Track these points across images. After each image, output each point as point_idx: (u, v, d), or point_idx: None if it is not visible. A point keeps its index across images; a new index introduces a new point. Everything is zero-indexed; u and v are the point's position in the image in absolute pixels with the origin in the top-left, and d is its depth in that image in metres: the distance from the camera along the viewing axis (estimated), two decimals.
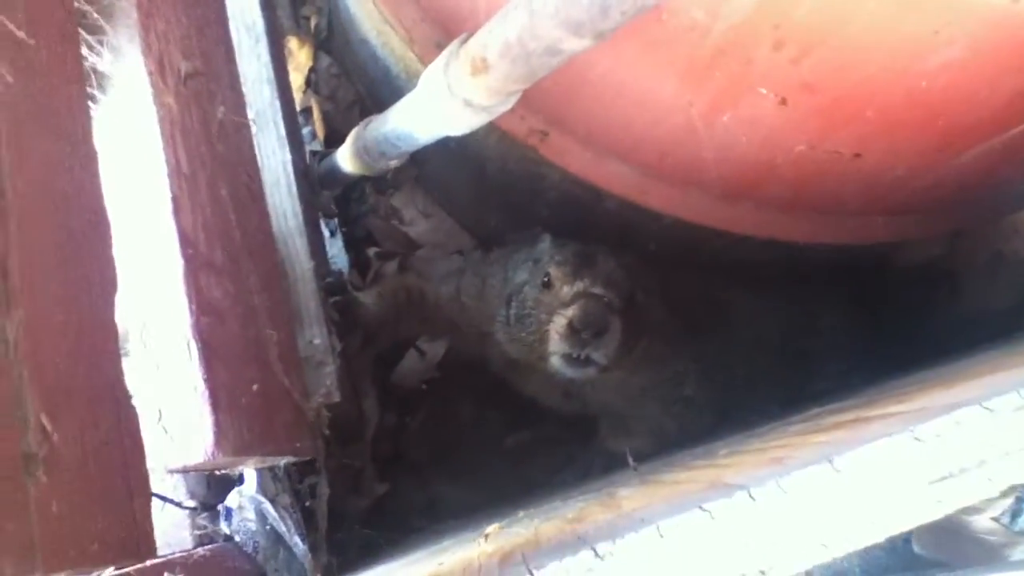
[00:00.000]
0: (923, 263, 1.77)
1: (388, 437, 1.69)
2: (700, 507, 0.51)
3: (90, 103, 0.87)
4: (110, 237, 0.68)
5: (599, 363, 1.21)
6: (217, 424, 0.83)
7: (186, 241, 0.88)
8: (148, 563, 0.81)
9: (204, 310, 0.87)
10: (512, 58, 0.67)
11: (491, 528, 0.75)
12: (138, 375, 0.86)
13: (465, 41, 0.76)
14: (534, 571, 0.51)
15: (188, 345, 0.85)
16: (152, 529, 0.64)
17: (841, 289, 1.73)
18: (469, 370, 1.70)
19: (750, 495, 0.51)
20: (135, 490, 0.63)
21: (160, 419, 0.84)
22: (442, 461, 1.71)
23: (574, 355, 1.20)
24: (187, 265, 0.86)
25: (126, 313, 0.88)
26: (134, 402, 0.66)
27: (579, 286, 1.21)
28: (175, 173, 0.90)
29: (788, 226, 1.30)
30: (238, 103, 1.19)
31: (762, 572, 0.50)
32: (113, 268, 0.67)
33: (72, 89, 0.71)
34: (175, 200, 0.88)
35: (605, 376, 1.31)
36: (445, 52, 0.79)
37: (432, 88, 0.82)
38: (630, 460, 1.20)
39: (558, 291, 1.24)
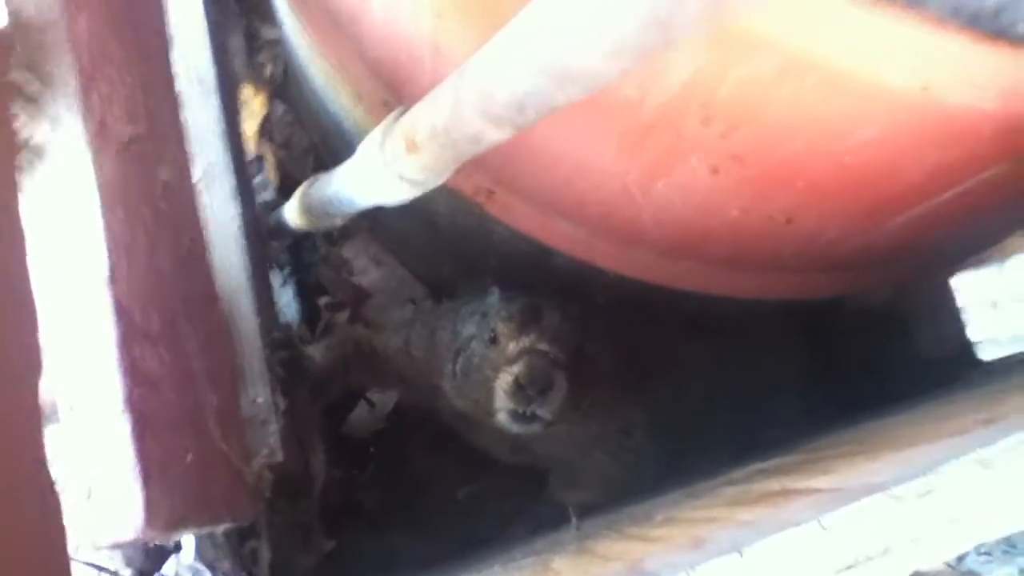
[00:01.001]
0: (874, 307, 1.81)
1: (338, 489, 1.67)
2: None
3: (24, 175, 0.87)
4: (35, 320, 0.67)
5: (545, 419, 1.22)
6: (148, 499, 0.82)
7: (121, 312, 0.87)
8: None
9: (138, 381, 0.86)
10: (440, 143, 0.68)
11: None
12: (68, 451, 0.85)
13: (399, 118, 0.77)
14: None
15: (120, 418, 0.84)
16: None
17: (792, 335, 1.76)
18: (420, 421, 1.70)
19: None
20: (55, 567, 0.62)
21: (90, 495, 0.83)
22: (396, 512, 1.69)
23: (520, 411, 1.21)
24: (122, 337, 0.86)
25: (58, 388, 0.87)
26: (57, 487, 0.65)
27: (524, 342, 1.23)
28: (113, 243, 0.89)
29: (731, 282, 1.32)
30: (183, 162, 1.18)
31: None
32: (37, 352, 0.66)
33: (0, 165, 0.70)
34: (112, 270, 0.87)
35: (552, 430, 1.31)
36: (381, 126, 0.80)
37: (369, 160, 0.83)
38: (573, 520, 1.20)
39: (504, 347, 1.25)
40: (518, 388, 1.19)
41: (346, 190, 1.00)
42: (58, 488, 0.75)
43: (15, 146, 0.76)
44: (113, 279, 0.86)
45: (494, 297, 1.35)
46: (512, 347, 1.23)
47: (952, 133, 0.79)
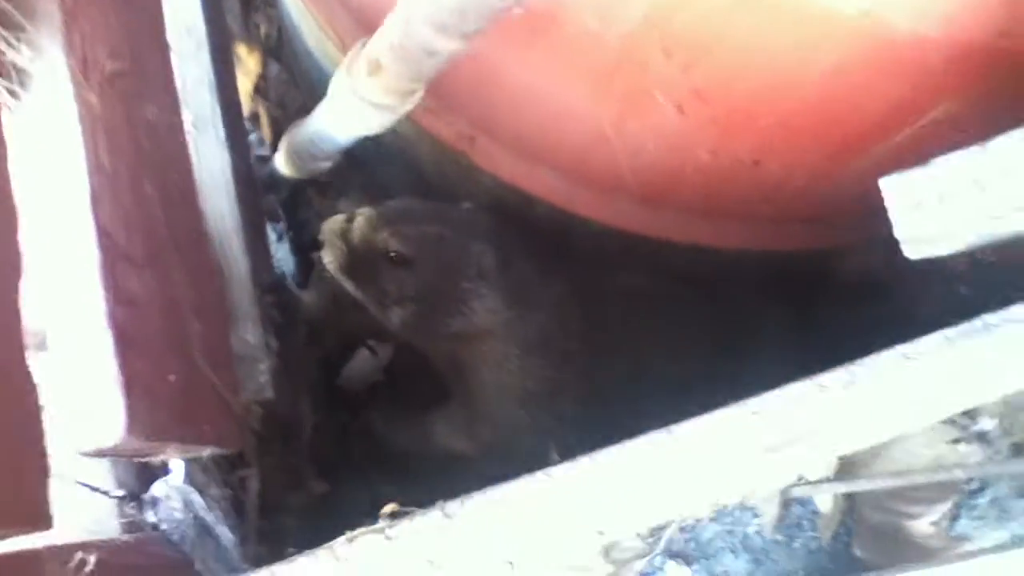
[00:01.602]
0: (860, 272, 1.83)
1: (331, 438, 1.71)
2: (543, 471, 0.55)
3: (8, 96, 0.90)
4: (15, 228, 0.71)
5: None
6: (130, 408, 0.86)
7: (104, 234, 0.91)
8: (63, 543, 0.84)
9: (120, 300, 0.90)
10: (399, 58, 0.71)
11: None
12: (54, 362, 0.89)
13: (365, 43, 0.80)
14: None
15: (103, 334, 0.87)
16: (47, 502, 0.66)
17: (777, 296, 1.77)
18: (417, 373, 1.73)
19: (592, 459, 0.56)
20: (29, 466, 0.66)
21: (75, 405, 0.87)
22: (385, 462, 1.73)
23: None
24: (104, 256, 0.89)
25: (45, 304, 0.91)
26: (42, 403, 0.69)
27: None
28: (95, 168, 0.93)
29: (709, 231, 1.35)
30: (171, 105, 1.22)
31: (600, 533, 0.54)
32: (17, 253, 0.70)
33: None
34: (94, 194, 0.91)
35: (462, 354, 1.38)
36: (347, 55, 0.83)
37: (340, 90, 0.86)
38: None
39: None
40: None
41: (324, 126, 1.03)
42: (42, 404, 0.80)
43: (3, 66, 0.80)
44: (95, 200, 0.90)
45: None
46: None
47: (900, 61, 0.81)
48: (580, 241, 1.43)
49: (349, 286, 1.34)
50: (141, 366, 0.91)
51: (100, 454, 0.89)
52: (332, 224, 1.31)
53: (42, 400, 0.83)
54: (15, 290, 0.69)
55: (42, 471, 0.67)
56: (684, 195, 1.22)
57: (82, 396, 0.88)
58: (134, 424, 0.86)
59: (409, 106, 0.85)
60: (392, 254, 1.29)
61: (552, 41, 0.90)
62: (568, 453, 1.33)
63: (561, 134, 1.14)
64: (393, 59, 0.72)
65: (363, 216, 1.31)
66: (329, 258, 1.31)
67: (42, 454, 0.67)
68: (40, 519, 0.65)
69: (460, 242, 1.32)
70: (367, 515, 1.68)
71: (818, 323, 1.83)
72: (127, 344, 0.89)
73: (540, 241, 1.42)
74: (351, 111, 0.86)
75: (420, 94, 0.82)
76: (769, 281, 1.65)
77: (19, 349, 0.68)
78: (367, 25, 1.26)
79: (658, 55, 0.88)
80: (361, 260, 1.31)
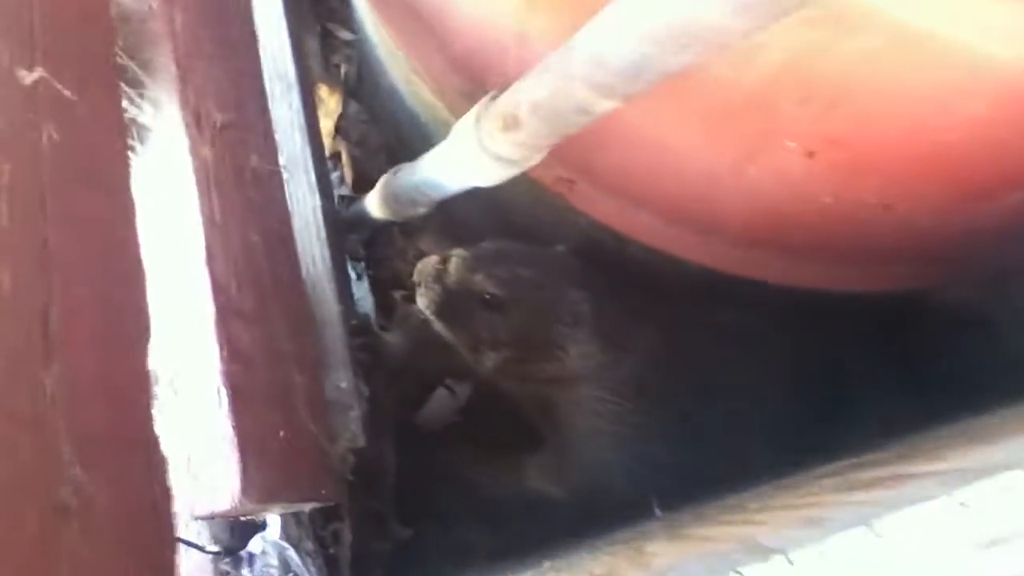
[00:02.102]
0: (956, 306, 1.75)
1: (412, 482, 1.68)
2: (735, 570, 0.50)
3: (129, 154, 0.90)
4: (144, 288, 0.70)
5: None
6: (244, 471, 0.84)
7: (218, 289, 0.89)
8: None
9: (234, 357, 0.89)
10: (542, 117, 0.68)
11: None
12: (168, 422, 0.88)
13: (495, 98, 0.78)
14: None
15: (218, 392, 0.86)
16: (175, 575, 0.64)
17: (871, 333, 1.70)
18: (493, 413, 1.69)
19: (787, 559, 0.51)
20: (163, 538, 0.64)
21: (189, 466, 0.85)
22: (469, 506, 1.69)
23: None
24: (219, 313, 0.88)
25: (158, 360, 0.90)
26: (162, 449, 0.67)
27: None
28: (209, 222, 0.92)
29: (814, 273, 1.29)
30: (270, 151, 1.22)
31: None
32: (147, 318, 0.68)
33: (113, 142, 0.73)
34: (208, 249, 0.90)
35: (555, 398, 1.33)
36: (475, 108, 0.81)
37: (463, 142, 0.84)
38: (655, 509, 1.18)
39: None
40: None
41: (434, 175, 1.00)
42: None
43: (125, 124, 0.79)
44: (210, 256, 0.88)
45: None
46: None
47: None
48: (672, 282, 1.38)
49: (442, 329, 1.31)
50: (253, 425, 0.89)
51: (214, 517, 0.87)
52: (426, 266, 1.29)
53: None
54: (144, 356, 0.67)
55: (172, 545, 0.64)
56: (794, 238, 1.17)
57: (195, 456, 0.86)
58: (248, 487, 0.84)
59: (537, 161, 0.82)
60: (487, 297, 1.26)
61: (676, 87, 0.86)
62: (665, 500, 1.30)
63: (669, 177, 1.10)
64: (535, 117, 0.69)
65: (458, 257, 1.29)
66: (424, 300, 1.28)
67: (171, 527, 0.65)
68: None
69: (556, 287, 1.29)
70: (448, 561, 1.65)
71: (915, 360, 1.76)
72: (240, 402, 0.88)
73: (632, 282, 1.39)
74: (473, 164, 0.84)
75: (548, 150, 0.79)
76: (863, 316, 1.59)
77: (150, 417, 0.66)
78: (466, 70, 1.25)
79: (792, 102, 0.84)
80: (456, 302, 1.28)
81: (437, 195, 1.06)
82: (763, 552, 0.55)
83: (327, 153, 1.85)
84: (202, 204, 0.92)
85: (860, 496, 0.67)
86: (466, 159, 0.85)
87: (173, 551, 0.64)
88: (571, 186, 1.25)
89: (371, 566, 1.43)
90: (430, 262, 1.29)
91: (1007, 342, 1.69)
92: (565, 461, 1.44)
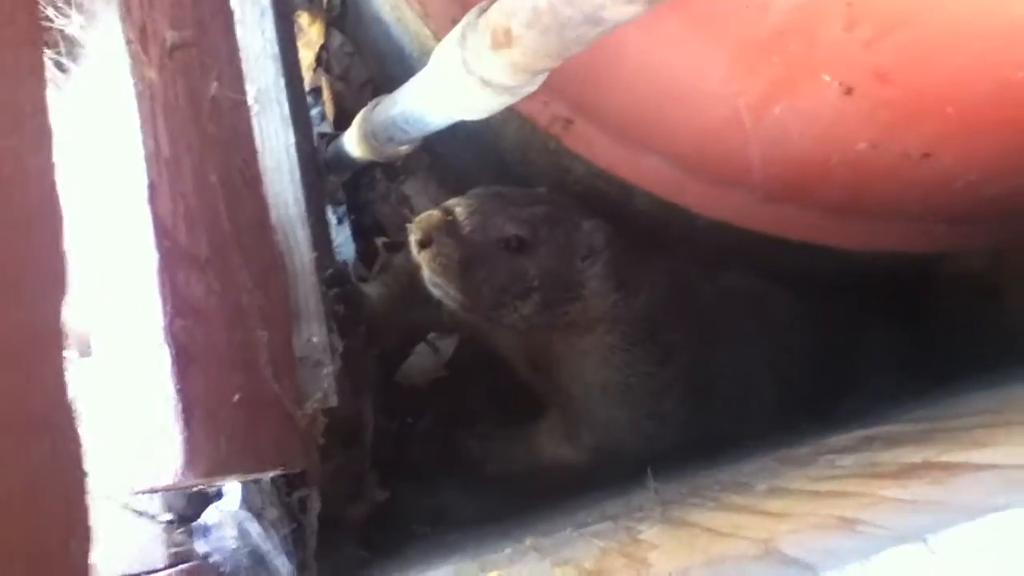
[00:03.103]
0: (965, 275, 1.67)
1: (391, 441, 1.59)
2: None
3: (57, 71, 0.77)
4: (61, 232, 0.58)
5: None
6: (190, 441, 0.73)
7: (163, 232, 0.77)
8: None
9: (181, 310, 0.77)
10: (542, 28, 0.56)
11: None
12: (103, 381, 0.77)
13: (486, 9, 0.65)
14: None
15: (160, 350, 0.74)
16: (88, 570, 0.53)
17: (883, 300, 1.62)
18: (481, 368, 1.60)
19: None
20: (72, 531, 0.53)
21: (124, 435, 0.74)
22: (451, 467, 1.60)
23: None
24: (163, 259, 0.76)
25: (92, 313, 0.79)
26: (81, 425, 0.56)
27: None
28: (153, 156, 0.79)
29: (837, 232, 1.18)
30: (235, 79, 1.08)
31: None
32: (62, 268, 0.57)
33: (23, 55, 0.60)
34: (152, 186, 0.77)
35: (554, 344, 1.25)
36: (461, 23, 0.68)
37: (446, 65, 0.71)
38: (652, 485, 1.09)
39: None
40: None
41: (415, 107, 0.88)
42: (84, 427, 0.67)
43: (42, 34, 0.66)
44: (154, 194, 0.76)
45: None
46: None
47: None
48: (681, 236, 1.27)
49: (452, 288, 1.18)
50: (203, 388, 0.78)
51: (155, 491, 0.77)
52: (431, 221, 1.15)
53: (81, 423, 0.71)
54: (57, 313, 0.55)
55: (84, 539, 0.54)
56: (820, 192, 1.05)
57: (133, 423, 0.75)
58: (194, 459, 0.73)
59: (533, 88, 0.69)
60: (510, 240, 1.16)
61: (698, 9, 0.74)
62: (669, 458, 1.21)
63: (684, 118, 0.98)
64: (532, 30, 0.57)
65: (462, 207, 1.16)
66: (438, 257, 1.15)
67: (84, 519, 0.54)
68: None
69: (571, 220, 1.20)
70: (428, 523, 1.56)
71: (924, 328, 1.68)
72: (188, 361, 0.76)
73: (637, 234, 1.28)
74: (458, 91, 0.71)
75: (547, 75, 0.67)
76: (873, 281, 1.50)
77: (62, 389, 0.54)
78: None
79: (836, 27, 0.72)
80: (480, 254, 1.16)
81: (418, 131, 0.93)
82: (792, 569, 0.45)
83: (307, 87, 1.71)
84: (145, 135, 0.79)
85: (897, 492, 0.56)
86: (450, 85, 0.72)
87: (85, 545, 0.53)
88: (568, 126, 1.13)
89: (345, 531, 1.34)
90: (433, 216, 1.16)
91: (1012, 311, 1.62)
92: (574, 420, 1.35)
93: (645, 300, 1.27)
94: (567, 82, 1.09)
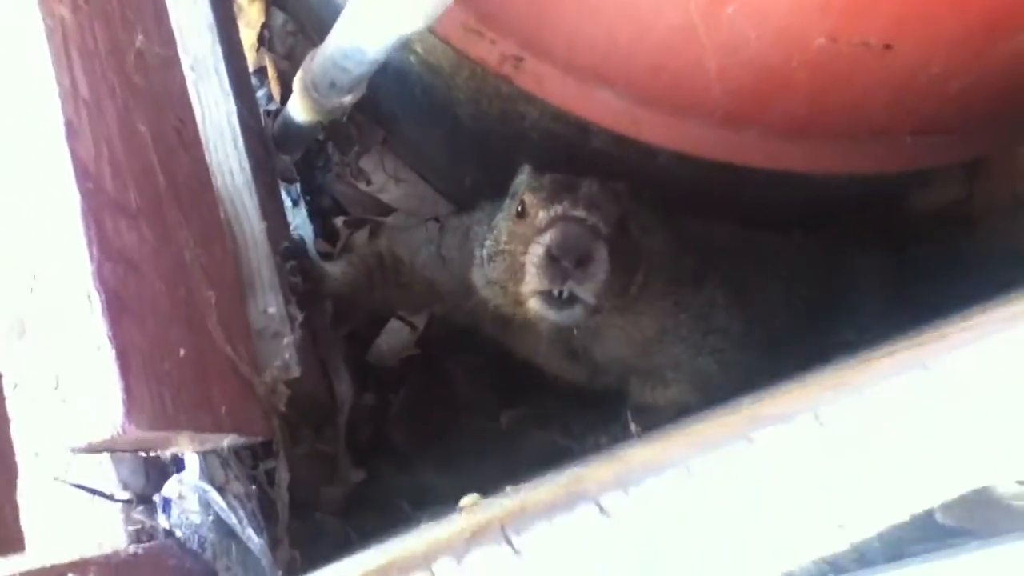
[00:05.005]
0: (942, 207, 1.66)
1: (367, 420, 1.53)
2: (747, 438, 0.36)
3: None
4: None
5: (586, 302, 1.01)
6: (128, 390, 0.68)
7: (84, 174, 0.72)
8: (42, 566, 0.66)
9: (110, 256, 0.72)
10: None
11: (467, 500, 0.60)
12: (31, 336, 0.71)
13: None
14: (512, 537, 0.35)
15: (89, 297, 0.69)
16: (16, 522, 0.48)
17: (864, 232, 1.60)
18: (457, 344, 1.54)
19: (816, 416, 0.36)
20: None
21: (57, 387, 0.68)
22: (429, 446, 1.55)
23: (555, 292, 1.00)
24: (86, 201, 0.71)
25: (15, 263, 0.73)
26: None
27: (557, 210, 1.01)
28: (70, 95, 0.74)
29: (800, 155, 1.15)
30: (163, 37, 1.03)
31: (840, 527, 0.35)
32: None
33: None
34: (69, 125, 0.72)
35: (605, 323, 1.12)
36: None
37: None
38: (632, 425, 1.04)
39: (533, 218, 1.04)
40: (551, 261, 0.98)
41: (350, 38, 0.84)
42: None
43: None
44: (72, 133, 0.71)
45: (524, 174, 1.17)
46: (542, 216, 1.03)
47: None
48: (642, 175, 1.23)
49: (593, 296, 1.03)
50: (140, 338, 0.72)
51: (95, 450, 0.71)
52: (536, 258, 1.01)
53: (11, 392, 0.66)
54: None
55: (7, 483, 0.48)
56: (781, 107, 1.02)
57: (65, 376, 0.70)
58: (133, 408, 0.67)
59: None
60: (620, 221, 1.06)
61: None
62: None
63: (634, 38, 0.95)
64: None
65: (561, 205, 1.04)
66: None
67: (8, 463, 0.49)
68: (7, 542, 0.47)
69: (614, 192, 1.10)
70: (408, 502, 1.50)
71: (905, 258, 1.67)
72: (121, 309, 0.71)
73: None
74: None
75: None
76: (849, 215, 1.47)
77: None
78: None
79: None
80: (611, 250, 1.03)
81: (357, 66, 0.89)
82: (783, 417, 0.41)
83: (252, 68, 1.65)
84: (59, 72, 0.74)
85: (887, 361, 0.52)
86: None
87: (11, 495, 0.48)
88: (519, 64, 1.09)
89: (322, 511, 1.29)
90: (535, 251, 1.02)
91: (987, 240, 1.62)
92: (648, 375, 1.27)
93: (663, 239, 1.19)
94: (515, 17, 1.06)
